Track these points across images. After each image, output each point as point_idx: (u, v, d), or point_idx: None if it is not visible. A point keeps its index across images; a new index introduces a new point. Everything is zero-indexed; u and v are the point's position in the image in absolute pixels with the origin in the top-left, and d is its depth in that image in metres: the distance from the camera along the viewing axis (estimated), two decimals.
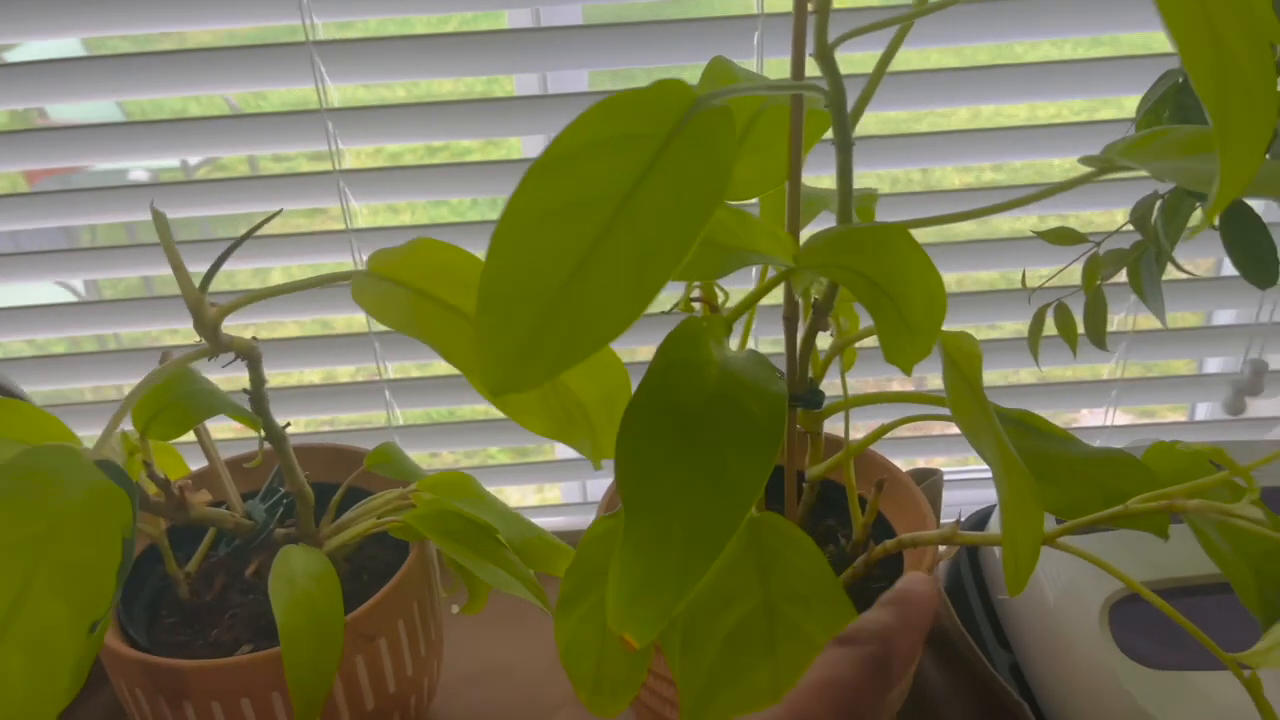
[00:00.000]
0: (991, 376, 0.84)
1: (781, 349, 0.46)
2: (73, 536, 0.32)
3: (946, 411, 0.47)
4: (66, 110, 1.77)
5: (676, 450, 0.32)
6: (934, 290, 0.36)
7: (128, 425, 0.45)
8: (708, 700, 0.32)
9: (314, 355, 0.76)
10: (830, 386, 0.49)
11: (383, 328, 0.75)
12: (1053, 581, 0.55)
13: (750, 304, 0.40)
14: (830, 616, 0.33)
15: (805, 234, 0.43)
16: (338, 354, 0.76)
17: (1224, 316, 0.86)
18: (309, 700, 0.44)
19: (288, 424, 0.49)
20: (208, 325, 0.42)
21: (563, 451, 0.89)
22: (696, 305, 0.48)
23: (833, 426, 0.53)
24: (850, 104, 0.36)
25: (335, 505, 0.55)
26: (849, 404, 0.48)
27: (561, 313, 0.27)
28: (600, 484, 0.88)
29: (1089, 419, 0.92)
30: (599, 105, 0.28)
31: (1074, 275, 0.69)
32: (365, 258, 0.65)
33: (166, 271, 0.71)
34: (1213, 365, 0.88)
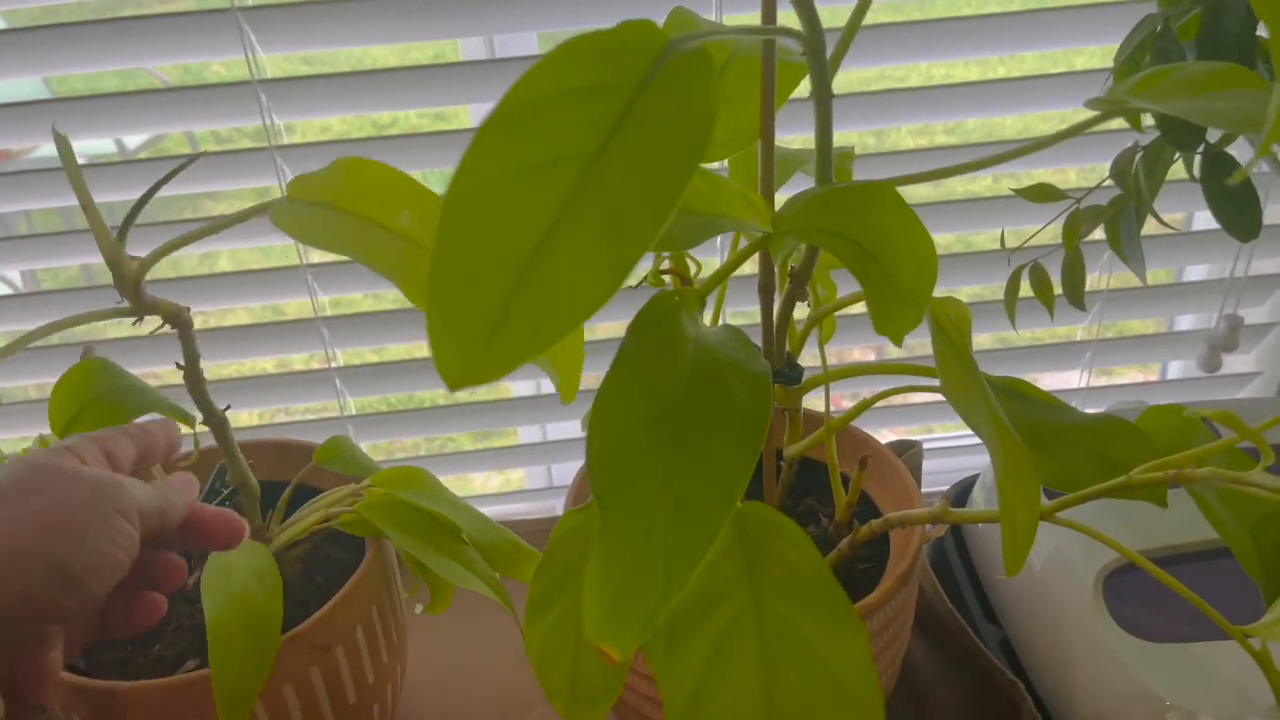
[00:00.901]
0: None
1: (754, 321, 0.43)
2: None
3: (932, 382, 0.44)
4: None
5: (654, 439, 0.29)
6: (924, 254, 0.33)
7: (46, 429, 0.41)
8: (696, 709, 0.29)
9: (258, 343, 0.71)
10: (806, 359, 0.47)
11: (330, 312, 0.71)
12: (1042, 554, 0.53)
13: (725, 275, 0.37)
14: (825, 612, 0.31)
15: (779, 198, 0.40)
16: (283, 341, 0.72)
17: (1195, 272, 0.84)
18: (236, 707, 0.41)
19: (227, 406, 0.45)
20: (128, 281, 0.38)
21: (526, 435, 0.86)
22: (666, 278, 0.45)
23: (810, 401, 0.50)
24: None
25: (284, 504, 0.51)
26: (829, 378, 0.45)
27: (525, 293, 0.24)
28: (567, 469, 0.85)
29: (1063, 381, 0.90)
30: (557, 52, 0.24)
31: (1043, 236, 0.67)
32: None
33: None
34: (1184, 323, 0.87)
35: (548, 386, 0.85)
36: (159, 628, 0.48)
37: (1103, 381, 0.83)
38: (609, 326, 0.80)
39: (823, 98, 0.34)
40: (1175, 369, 0.89)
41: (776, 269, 0.41)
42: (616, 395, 0.30)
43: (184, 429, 0.44)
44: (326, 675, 0.46)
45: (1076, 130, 0.39)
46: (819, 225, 0.33)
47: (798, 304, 0.42)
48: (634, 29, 0.25)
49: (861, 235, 0.32)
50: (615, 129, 0.24)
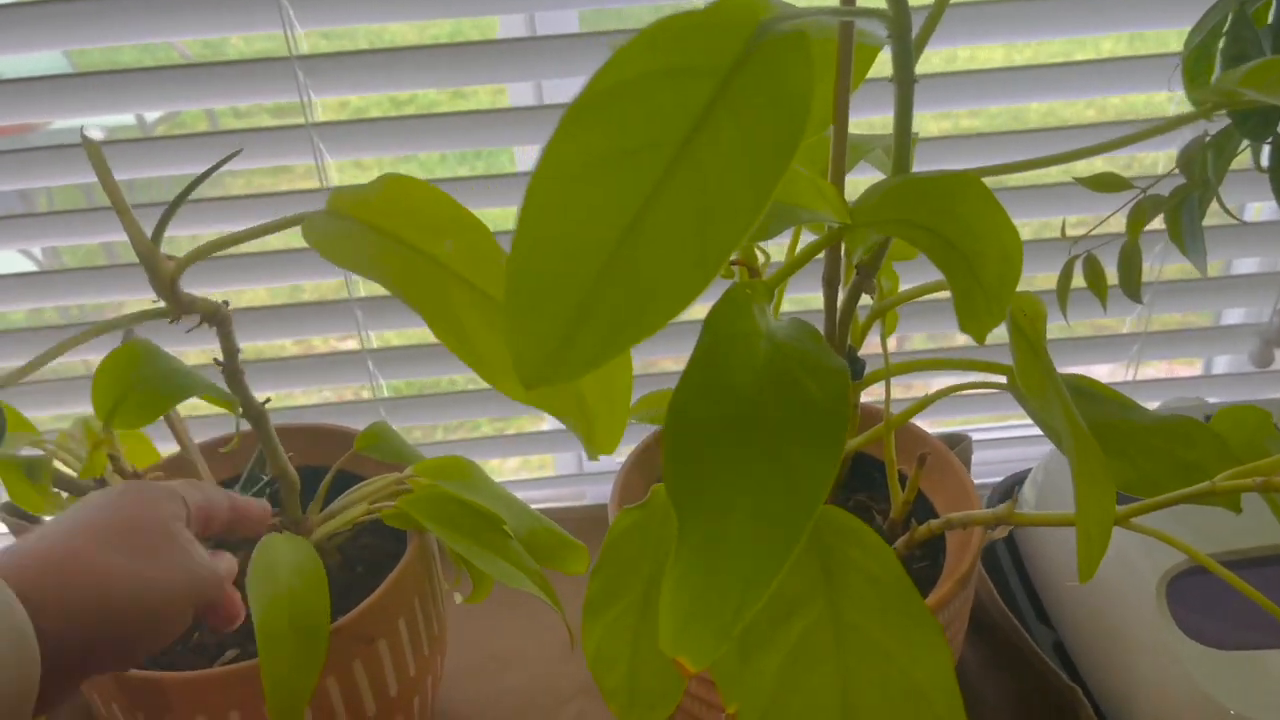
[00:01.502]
0: (999, 333, 0.80)
1: (805, 309, 0.42)
2: None
3: (997, 379, 0.43)
4: (13, 65, 1.68)
5: (732, 442, 0.27)
6: (1010, 248, 0.31)
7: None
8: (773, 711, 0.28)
9: (290, 324, 0.70)
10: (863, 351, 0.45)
11: (364, 293, 0.70)
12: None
13: (797, 267, 0.35)
14: (904, 622, 0.29)
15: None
16: (316, 323, 0.71)
17: (1243, 265, 0.82)
18: (288, 709, 0.40)
19: (267, 399, 0.44)
20: (164, 281, 0.36)
21: (555, 422, 0.85)
22: (734, 269, 0.44)
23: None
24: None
25: (324, 491, 0.50)
26: (891, 372, 0.43)
27: (608, 287, 0.22)
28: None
29: (1105, 375, 0.88)
30: (647, 32, 0.23)
31: (1089, 226, 0.65)
32: None
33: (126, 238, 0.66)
34: (1231, 317, 0.84)
35: None
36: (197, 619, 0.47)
37: (1148, 375, 0.81)
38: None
39: (905, 81, 0.32)
40: (1221, 363, 0.87)
41: (843, 261, 0.39)
42: (693, 394, 0.28)
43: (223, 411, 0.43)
44: (369, 667, 0.45)
45: (1177, 123, 0.37)
46: (902, 217, 0.31)
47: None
48: (726, 8, 0.24)
49: (948, 228, 0.31)
50: (707, 113, 0.23)
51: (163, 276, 0.37)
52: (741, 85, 0.23)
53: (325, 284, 0.73)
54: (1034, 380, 0.35)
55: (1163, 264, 0.73)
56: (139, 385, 0.40)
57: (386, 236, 0.33)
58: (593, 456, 0.35)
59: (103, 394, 0.40)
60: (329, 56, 0.61)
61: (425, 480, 0.47)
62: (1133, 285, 0.61)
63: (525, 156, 0.74)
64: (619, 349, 0.23)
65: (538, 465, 1.25)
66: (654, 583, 0.37)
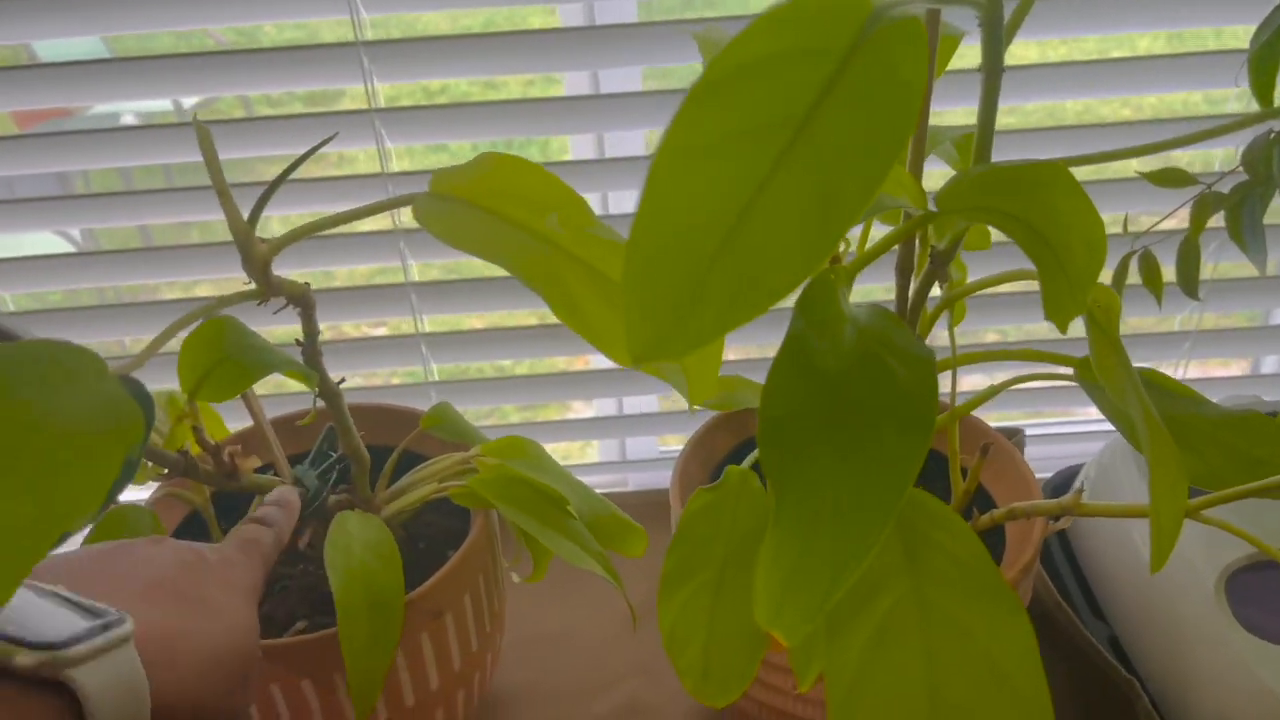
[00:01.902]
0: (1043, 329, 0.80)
1: (870, 299, 0.42)
2: (69, 439, 0.27)
3: (1064, 370, 0.43)
4: (54, 49, 1.70)
5: (823, 424, 0.28)
6: (1095, 237, 0.32)
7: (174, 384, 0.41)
8: (857, 695, 0.29)
9: (347, 308, 0.71)
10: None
11: (419, 278, 0.71)
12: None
13: (878, 253, 0.36)
14: (987, 604, 0.30)
15: None
16: (372, 307, 0.72)
17: None
18: (367, 681, 0.41)
19: (342, 379, 0.45)
20: (257, 264, 0.37)
21: (603, 407, 0.85)
22: None
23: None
24: None
25: (390, 470, 0.51)
26: (959, 361, 0.44)
27: (726, 263, 0.23)
28: (639, 443, 0.84)
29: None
30: (768, 14, 0.23)
31: (1147, 223, 0.65)
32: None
33: (165, 220, 0.67)
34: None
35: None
36: (266, 587, 0.48)
37: (1194, 374, 0.80)
38: None
39: (993, 70, 0.33)
40: (1270, 363, 0.86)
41: (918, 249, 0.40)
42: (786, 377, 0.29)
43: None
44: (435, 641, 0.46)
45: (1248, 121, 0.37)
46: (990, 205, 0.32)
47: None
48: None
49: (1036, 217, 0.31)
50: (824, 95, 0.23)
51: (256, 259, 0.37)
52: (858, 68, 0.23)
53: (375, 268, 0.74)
54: (1110, 370, 0.35)
55: (1217, 261, 0.73)
56: (226, 360, 0.41)
57: (493, 215, 0.34)
58: (691, 407, 0.37)
59: (189, 368, 0.41)
60: (394, 43, 0.62)
61: (492, 460, 0.48)
62: (1191, 281, 0.61)
63: (579, 145, 0.75)
64: (730, 327, 0.24)
65: (579, 452, 1.26)
66: (728, 562, 0.37)
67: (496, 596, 0.51)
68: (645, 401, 0.83)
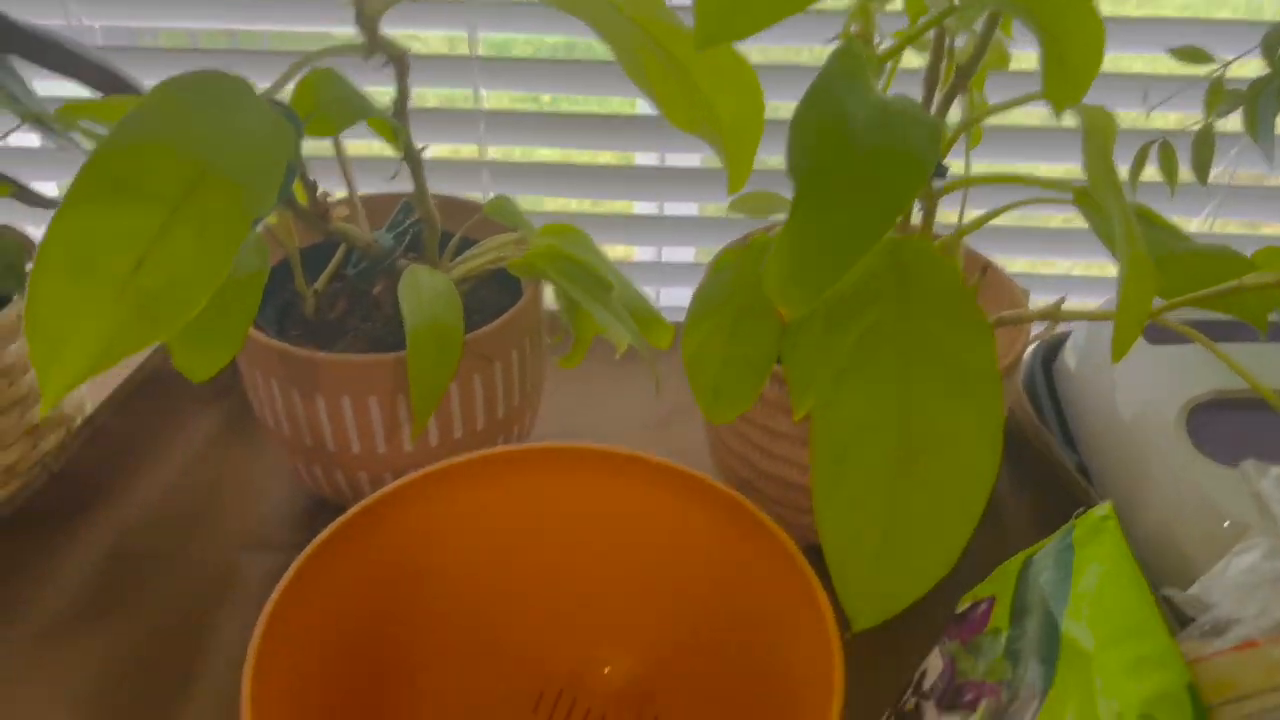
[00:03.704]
0: (1060, 220, 0.85)
1: None
2: (244, 143, 0.34)
3: (1064, 196, 0.48)
4: None
5: (844, 147, 0.34)
6: (1094, 34, 0.37)
7: None
8: (842, 382, 0.35)
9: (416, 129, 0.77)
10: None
11: (484, 52, 0.76)
12: (1130, 391, 0.57)
13: (906, 43, 0.41)
14: (960, 322, 0.36)
15: None
16: (441, 130, 0.78)
17: None
18: (427, 399, 0.48)
19: (424, 147, 0.51)
20: (369, 18, 0.43)
21: (643, 255, 0.91)
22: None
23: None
24: None
25: (453, 247, 0.57)
26: (971, 181, 0.49)
27: None
28: (676, 251, 0.90)
29: None
30: None
31: (1169, 122, 0.69)
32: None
33: None
34: None
35: (669, 208, 0.90)
36: (337, 335, 0.55)
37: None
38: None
39: None
40: None
41: (944, 62, 0.45)
42: (815, 108, 0.34)
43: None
44: (485, 384, 0.52)
45: None
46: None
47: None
48: None
49: (1043, 14, 0.36)
50: None
51: (369, 13, 0.43)
52: None
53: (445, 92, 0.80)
54: (1098, 176, 0.40)
55: (1235, 169, 0.77)
56: (327, 104, 0.47)
57: None
58: (731, 191, 0.42)
59: (299, 109, 0.47)
60: None
61: (545, 241, 0.54)
62: (1203, 167, 0.66)
63: None
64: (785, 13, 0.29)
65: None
66: (743, 309, 0.43)
67: (537, 366, 0.58)
68: (684, 253, 0.90)
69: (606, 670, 0.48)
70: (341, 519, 0.41)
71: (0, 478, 0.56)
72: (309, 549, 0.39)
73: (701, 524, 0.44)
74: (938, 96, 0.46)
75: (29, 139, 0.84)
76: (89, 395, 0.65)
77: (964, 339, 0.35)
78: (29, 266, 0.57)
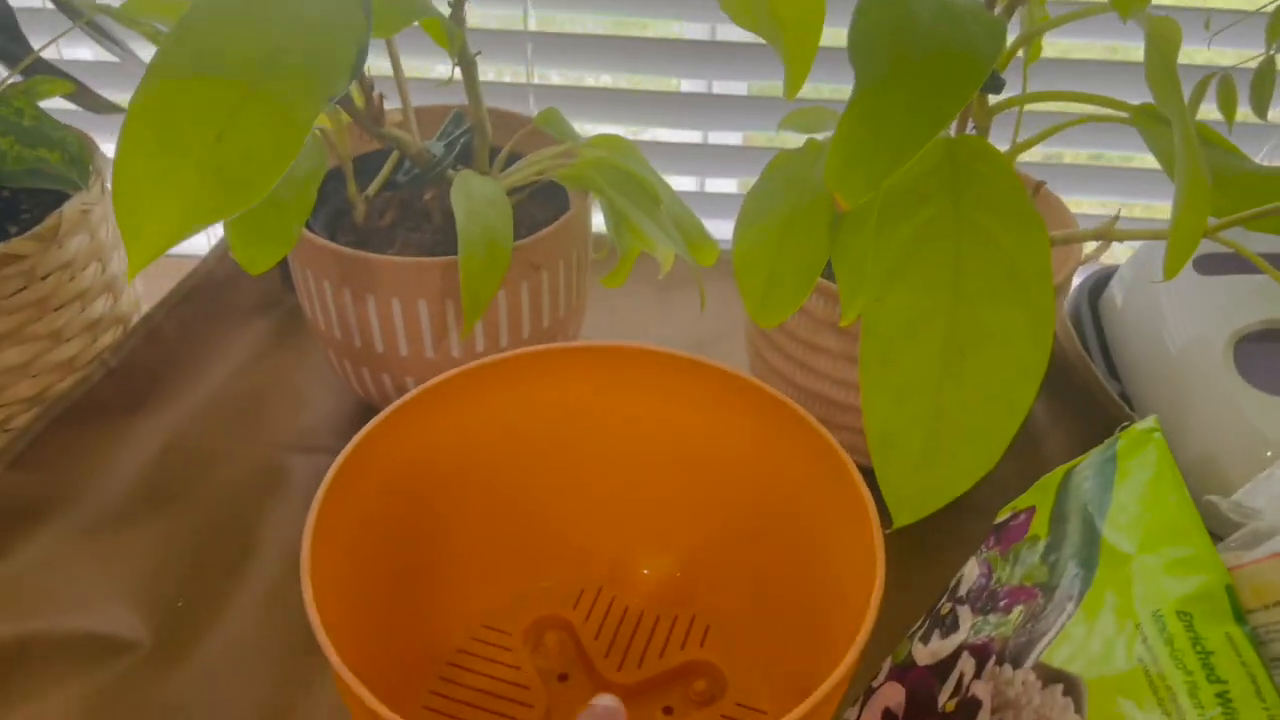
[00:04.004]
0: (1115, 158, 0.84)
1: None
2: (316, 24, 0.35)
3: (1122, 115, 0.48)
4: None
5: (907, 36, 0.34)
6: None
7: None
8: (893, 283, 0.35)
9: None
10: None
11: (538, 29, 0.76)
12: (1176, 318, 0.57)
13: None
14: (1014, 220, 0.36)
15: None
16: (487, 50, 0.77)
17: None
18: (476, 301, 0.48)
19: (478, 51, 0.51)
20: None
21: (680, 185, 0.91)
22: None
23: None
24: None
25: (502, 160, 0.58)
26: (1026, 99, 0.49)
27: None
28: (718, 183, 0.90)
29: None
30: None
31: (1229, 58, 0.68)
32: None
33: None
34: None
35: (713, 137, 0.90)
36: (386, 243, 0.56)
37: None
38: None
39: None
40: None
41: None
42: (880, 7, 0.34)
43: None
44: (532, 292, 0.53)
45: None
46: None
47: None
48: None
49: None
50: None
51: None
52: None
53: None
54: (1160, 82, 0.40)
55: None
56: (386, 2, 0.47)
57: None
58: (789, 97, 0.42)
59: None
60: None
61: (594, 152, 0.55)
62: (1262, 101, 0.65)
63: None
64: None
65: None
66: (795, 211, 0.44)
67: (582, 280, 0.58)
68: (727, 184, 0.89)
69: (645, 571, 0.49)
70: (390, 408, 0.41)
71: (60, 371, 0.58)
72: (356, 438, 0.40)
73: (743, 424, 0.44)
74: (999, 6, 0.46)
75: (80, 51, 0.85)
76: (144, 296, 0.67)
77: (1017, 237, 0.35)
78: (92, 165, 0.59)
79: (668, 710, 0.46)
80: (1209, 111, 0.68)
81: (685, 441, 0.46)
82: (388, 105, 0.52)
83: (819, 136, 0.59)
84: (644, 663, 0.47)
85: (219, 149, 0.32)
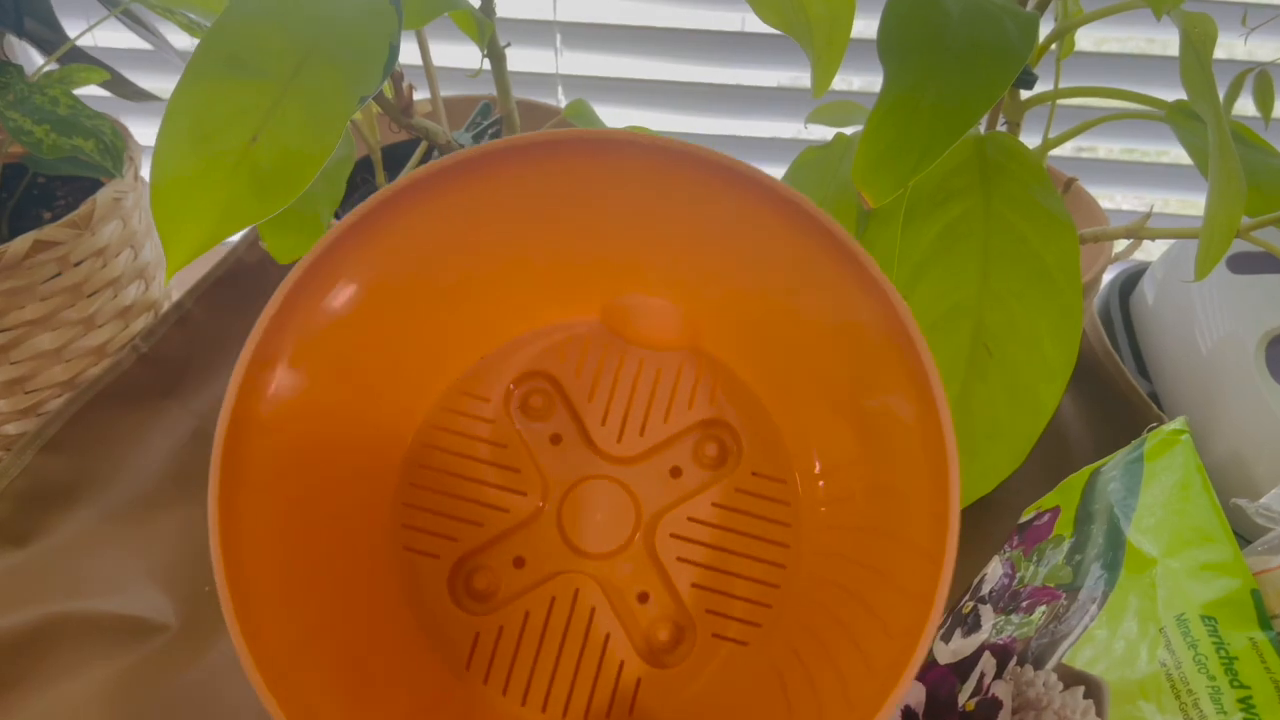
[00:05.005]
0: (1149, 152, 0.82)
1: None
2: (349, 22, 0.35)
3: (1156, 112, 0.47)
4: None
5: (937, 32, 0.33)
6: None
7: None
8: (922, 274, 0.35)
9: None
10: None
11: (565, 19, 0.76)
12: (1207, 317, 0.56)
13: None
14: (1043, 219, 0.35)
15: None
16: (514, 38, 0.77)
17: None
18: None
19: (508, 44, 0.51)
20: None
21: (715, 127, 0.91)
22: None
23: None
24: None
25: None
26: (1058, 94, 0.48)
27: None
28: None
29: None
30: None
31: (1265, 52, 0.66)
32: None
33: None
34: None
35: (741, 128, 0.89)
36: None
37: None
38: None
39: None
40: None
41: None
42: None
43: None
44: None
45: None
46: None
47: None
48: None
49: None
50: None
51: None
52: None
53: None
54: (1194, 77, 0.39)
55: None
56: None
57: None
58: (816, 95, 0.42)
59: None
60: None
61: None
62: None
63: None
64: None
65: None
66: (822, 205, 0.44)
67: None
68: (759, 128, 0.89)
69: (644, 311, 0.41)
70: (395, 185, 0.35)
71: (93, 356, 0.59)
72: (325, 240, 0.33)
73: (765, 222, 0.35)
74: (1032, 1, 0.45)
75: (114, 39, 0.86)
76: (175, 283, 0.67)
77: (1047, 236, 0.35)
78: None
79: (675, 471, 0.41)
80: (1245, 106, 0.67)
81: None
82: (416, 96, 0.52)
83: (847, 131, 0.58)
84: (646, 430, 0.41)
85: (255, 151, 0.32)
